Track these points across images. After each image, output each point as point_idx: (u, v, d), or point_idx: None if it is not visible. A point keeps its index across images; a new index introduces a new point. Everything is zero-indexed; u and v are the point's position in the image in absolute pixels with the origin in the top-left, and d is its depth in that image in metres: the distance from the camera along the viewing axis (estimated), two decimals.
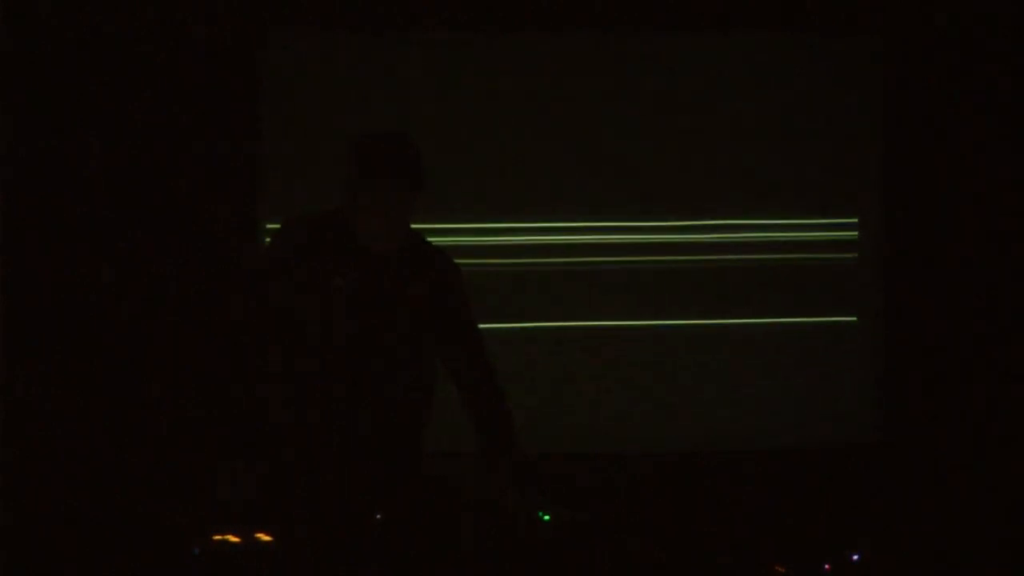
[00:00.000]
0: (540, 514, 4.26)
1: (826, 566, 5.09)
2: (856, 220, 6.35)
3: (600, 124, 6.24)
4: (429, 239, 4.43)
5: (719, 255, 6.29)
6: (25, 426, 5.86)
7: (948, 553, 5.84)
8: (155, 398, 5.96)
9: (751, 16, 6.20)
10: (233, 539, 4.08)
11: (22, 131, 5.88)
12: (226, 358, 4.27)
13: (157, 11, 5.96)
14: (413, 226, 4.34)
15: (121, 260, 5.96)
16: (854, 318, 6.35)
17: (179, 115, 5.98)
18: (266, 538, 4.10)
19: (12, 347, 5.85)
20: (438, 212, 5.96)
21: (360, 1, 6.09)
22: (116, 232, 5.96)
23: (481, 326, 4.43)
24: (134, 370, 5.97)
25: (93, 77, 5.92)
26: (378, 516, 4.23)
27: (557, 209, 6.24)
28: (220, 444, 4.21)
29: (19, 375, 5.86)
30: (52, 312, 5.91)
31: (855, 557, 5.28)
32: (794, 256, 6.32)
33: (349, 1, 6.09)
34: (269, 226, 6.03)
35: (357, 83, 6.14)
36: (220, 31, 6.00)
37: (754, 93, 6.27)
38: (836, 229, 6.35)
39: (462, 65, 6.20)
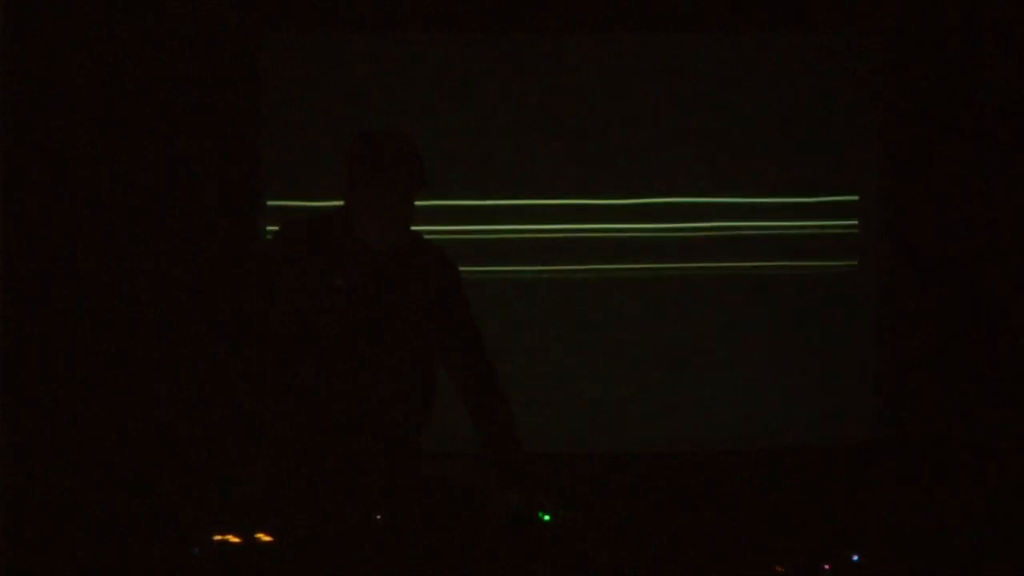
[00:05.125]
0: (540, 514, 4.25)
1: (826, 566, 5.08)
2: (856, 220, 6.36)
3: (600, 124, 6.25)
4: (428, 238, 4.43)
5: (719, 255, 6.30)
6: (25, 426, 5.86)
7: (948, 553, 5.84)
8: (155, 398, 5.97)
9: (751, 16, 6.21)
10: (233, 539, 4.08)
11: (22, 131, 5.88)
12: (227, 358, 4.27)
13: (157, 11, 5.96)
14: (413, 226, 4.34)
15: (121, 260, 5.96)
16: (854, 318, 6.36)
17: (179, 115, 5.99)
18: (266, 538, 4.10)
19: (12, 347, 5.85)
20: (437, 211, 5.98)
21: (360, 1, 6.09)
22: (116, 232, 5.96)
23: (481, 327, 4.43)
24: (134, 370, 5.97)
25: (93, 77, 5.92)
26: (378, 517, 4.23)
27: (558, 209, 6.24)
28: (223, 444, 4.23)
29: (19, 374, 5.86)
30: (52, 312, 5.91)
31: (855, 557, 5.27)
32: (794, 254, 6.33)
33: (349, 1, 6.09)
34: (269, 227, 6.04)
35: (357, 83, 6.14)
36: (220, 31, 6.00)
37: (755, 93, 6.28)
38: (837, 228, 6.35)
39: (462, 65, 6.20)
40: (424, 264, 4.33)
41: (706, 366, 6.30)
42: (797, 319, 6.33)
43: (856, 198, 6.36)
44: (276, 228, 4.40)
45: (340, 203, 4.31)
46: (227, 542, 4.13)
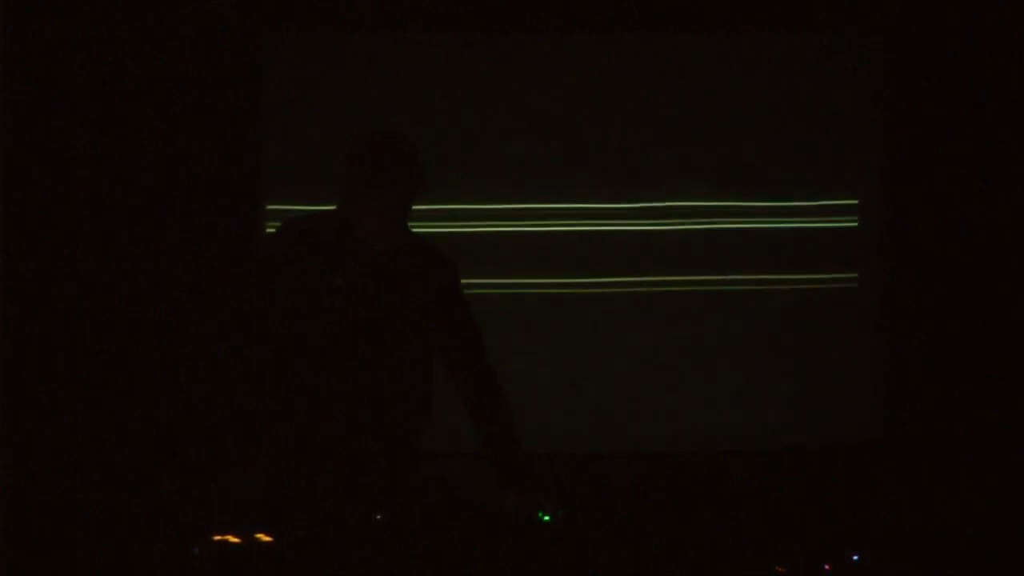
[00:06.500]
0: (540, 514, 4.26)
1: (826, 566, 5.08)
2: (856, 221, 6.35)
3: (600, 124, 6.25)
4: (427, 238, 4.43)
5: (719, 255, 6.30)
6: (25, 426, 5.86)
7: (948, 553, 5.84)
8: (155, 398, 5.97)
9: (751, 16, 6.21)
10: (233, 539, 4.08)
11: (22, 131, 5.88)
12: (227, 358, 4.27)
13: (157, 11, 5.96)
14: (412, 226, 4.34)
15: (121, 260, 5.96)
16: (855, 318, 6.35)
17: (179, 115, 5.99)
18: (266, 538, 4.10)
19: (13, 347, 5.85)
20: (436, 212, 5.98)
21: (360, 1, 6.09)
22: (116, 232, 5.96)
23: (481, 327, 4.43)
24: (134, 370, 5.97)
25: (93, 77, 5.92)
26: (378, 517, 4.23)
27: (559, 209, 6.24)
28: (224, 443, 4.22)
29: (19, 374, 5.86)
30: (52, 312, 5.91)
31: (855, 557, 5.27)
32: (794, 254, 6.33)
33: (349, 1, 6.09)
34: (269, 226, 6.04)
35: (357, 83, 6.14)
36: (220, 31, 6.00)
37: (755, 93, 6.27)
38: (837, 228, 6.35)
39: (462, 65, 6.20)
40: (424, 264, 4.33)
41: (706, 366, 6.29)
42: (797, 319, 6.33)
43: (856, 199, 6.35)
44: (275, 228, 4.40)
45: (340, 203, 4.31)
46: (227, 542, 4.13)
